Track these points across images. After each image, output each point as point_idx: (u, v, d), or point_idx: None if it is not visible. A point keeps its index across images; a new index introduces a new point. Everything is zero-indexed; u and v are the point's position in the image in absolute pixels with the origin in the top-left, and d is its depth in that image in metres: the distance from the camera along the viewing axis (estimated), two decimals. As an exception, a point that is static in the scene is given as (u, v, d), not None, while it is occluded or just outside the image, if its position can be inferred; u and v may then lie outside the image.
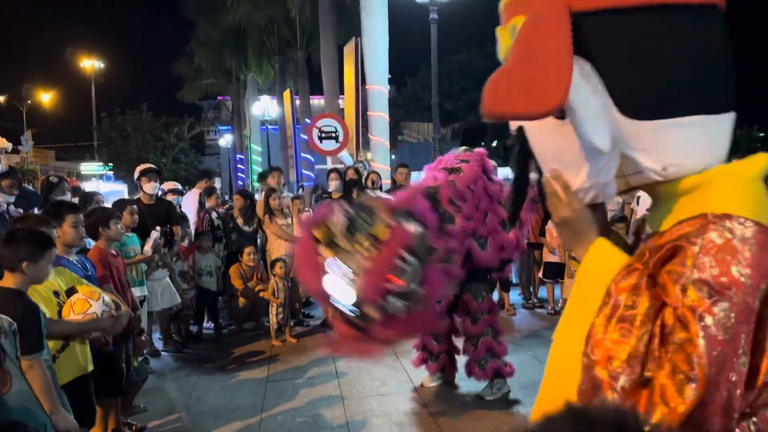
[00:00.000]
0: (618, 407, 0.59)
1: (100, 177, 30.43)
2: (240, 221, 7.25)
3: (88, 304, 3.13)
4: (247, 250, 6.83)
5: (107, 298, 3.31)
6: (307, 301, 7.82)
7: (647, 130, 1.16)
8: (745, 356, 1.04)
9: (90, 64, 36.33)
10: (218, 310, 7.16)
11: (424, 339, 4.75)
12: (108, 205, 5.60)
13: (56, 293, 3.10)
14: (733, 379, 1.04)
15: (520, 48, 1.10)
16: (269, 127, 25.13)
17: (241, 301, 6.84)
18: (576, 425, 0.55)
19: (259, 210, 7.30)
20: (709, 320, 1.02)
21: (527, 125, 1.28)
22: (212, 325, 7.04)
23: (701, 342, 1.01)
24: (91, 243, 4.30)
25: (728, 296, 1.02)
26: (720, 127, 1.19)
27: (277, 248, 7.03)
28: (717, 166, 1.17)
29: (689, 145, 1.16)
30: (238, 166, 29.54)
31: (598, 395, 1.05)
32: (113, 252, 4.30)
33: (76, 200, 5.99)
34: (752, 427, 1.10)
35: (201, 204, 7.42)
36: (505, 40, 1.23)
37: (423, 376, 4.95)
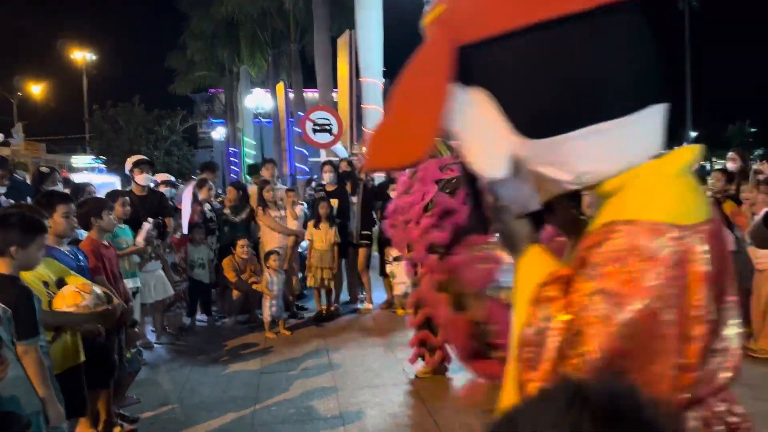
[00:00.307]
0: (614, 381, 0.59)
1: (92, 170, 30.27)
2: (228, 211, 7.23)
3: (81, 297, 3.11)
4: (240, 242, 6.81)
5: (99, 290, 3.29)
6: (300, 294, 7.83)
7: (550, 146, 1.14)
8: (658, 361, 1.04)
9: (81, 56, 36.04)
10: (211, 302, 7.15)
11: (424, 334, 4.74)
12: (100, 196, 5.56)
13: (45, 283, 3.08)
14: (655, 380, 1.03)
15: (395, 101, 1.19)
16: (263, 120, 25.05)
17: (235, 293, 6.83)
18: (572, 398, 0.55)
19: (253, 202, 7.28)
20: (608, 329, 1.01)
21: None
22: (205, 317, 7.03)
23: (601, 351, 1.01)
24: (83, 234, 4.28)
25: (632, 303, 1.01)
26: (636, 126, 1.14)
27: (271, 240, 7.01)
28: (642, 164, 1.14)
29: (599, 151, 1.14)
30: (231, 159, 29.44)
31: None
32: (105, 243, 4.27)
33: (67, 191, 5.94)
34: (694, 414, 1.10)
35: (195, 196, 7.39)
36: None
37: (417, 367, 4.96)
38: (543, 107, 1.13)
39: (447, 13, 1.19)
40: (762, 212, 4.05)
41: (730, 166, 6.47)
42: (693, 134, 33.14)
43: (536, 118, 1.14)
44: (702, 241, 1.05)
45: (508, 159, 1.18)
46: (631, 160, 1.14)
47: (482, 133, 1.19)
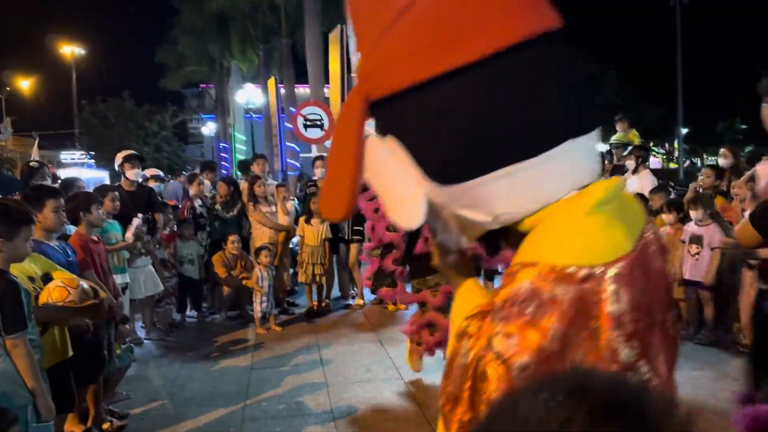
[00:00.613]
0: (617, 376, 0.58)
1: (81, 165, 30.08)
2: (219, 207, 7.19)
3: (67, 291, 3.08)
4: (231, 238, 6.78)
5: (86, 285, 3.26)
6: (291, 290, 7.80)
7: (463, 191, 1.14)
8: None
9: (70, 50, 35.72)
10: (202, 298, 7.11)
11: (422, 334, 4.72)
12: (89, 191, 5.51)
13: (31, 279, 3.04)
14: None
15: (328, 159, 1.29)
16: (253, 115, 24.94)
17: (225, 289, 6.80)
18: (572, 389, 0.54)
19: (245, 197, 7.25)
20: (506, 370, 1.01)
21: None
22: (195, 313, 7.00)
23: (500, 392, 1.02)
24: (72, 229, 4.24)
25: (529, 346, 1.01)
26: (550, 164, 1.11)
27: (261, 236, 6.98)
28: (558, 200, 1.13)
29: (513, 193, 1.12)
30: (222, 155, 29.30)
31: None
32: (95, 238, 4.24)
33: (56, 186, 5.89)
34: None
35: (185, 191, 7.36)
36: None
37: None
38: (449, 156, 1.13)
39: (360, 69, 1.22)
40: (748, 210, 4.07)
41: (722, 162, 6.51)
42: (684, 131, 33.32)
43: (444, 166, 1.14)
44: (611, 280, 1.03)
45: (424, 205, 1.19)
46: (548, 197, 1.13)
47: (397, 182, 1.20)
